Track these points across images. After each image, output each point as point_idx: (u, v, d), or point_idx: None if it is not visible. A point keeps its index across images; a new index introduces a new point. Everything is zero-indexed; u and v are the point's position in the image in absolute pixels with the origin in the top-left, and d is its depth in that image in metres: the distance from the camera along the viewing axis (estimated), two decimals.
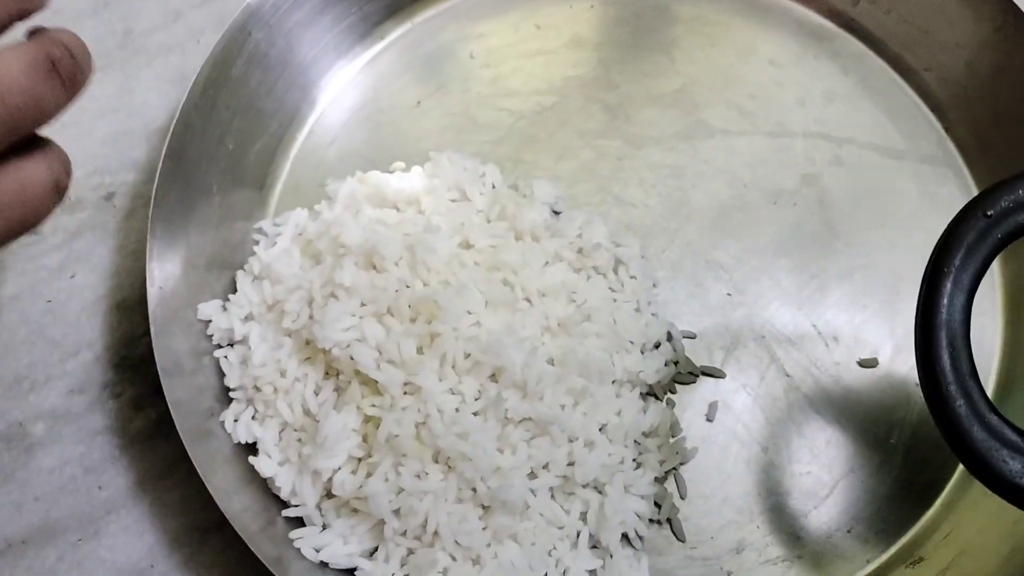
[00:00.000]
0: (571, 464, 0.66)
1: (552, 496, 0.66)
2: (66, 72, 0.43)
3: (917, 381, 0.70)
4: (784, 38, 0.86)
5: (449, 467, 0.63)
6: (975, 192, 0.79)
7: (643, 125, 0.82)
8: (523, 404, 0.65)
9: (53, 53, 0.42)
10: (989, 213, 0.50)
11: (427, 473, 0.63)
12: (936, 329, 0.49)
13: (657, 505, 0.69)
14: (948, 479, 0.71)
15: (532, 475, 0.65)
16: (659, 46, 0.86)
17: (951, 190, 0.79)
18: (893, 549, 0.69)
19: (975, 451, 0.49)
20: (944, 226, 0.73)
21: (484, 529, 0.63)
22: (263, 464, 0.66)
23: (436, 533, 0.62)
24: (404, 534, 0.63)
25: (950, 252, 0.50)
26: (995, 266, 0.77)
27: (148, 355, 0.66)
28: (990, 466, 0.49)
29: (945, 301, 0.49)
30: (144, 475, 0.72)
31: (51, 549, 0.69)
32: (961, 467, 0.71)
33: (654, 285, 0.76)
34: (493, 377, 0.66)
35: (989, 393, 0.72)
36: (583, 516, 0.66)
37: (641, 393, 0.71)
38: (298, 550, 0.64)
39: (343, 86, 0.84)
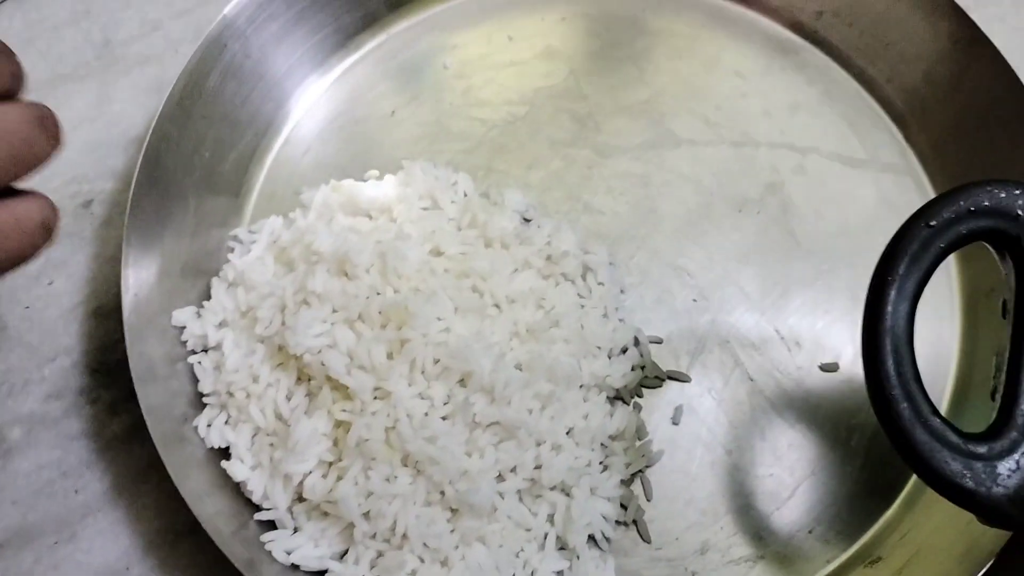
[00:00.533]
0: (538, 467, 0.67)
1: (520, 499, 0.68)
2: (51, 127, 0.48)
3: None
4: (750, 50, 0.87)
5: (418, 471, 0.65)
6: None
7: (612, 135, 0.84)
8: (491, 408, 0.66)
9: (42, 110, 0.47)
10: (932, 224, 0.52)
11: (396, 476, 0.65)
12: (881, 335, 0.51)
13: (623, 507, 0.70)
14: (906, 481, 0.72)
15: (500, 478, 0.67)
16: (628, 58, 0.88)
17: (911, 198, 0.81)
18: (853, 549, 0.71)
19: (918, 452, 0.51)
20: None
21: (452, 531, 0.65)
22: (235, 468, 0.67)
23: (405, 536, 0.64)
24: (374, 537, 0.64)
25: (894, 261, 0.52)
26: (953, 273, 0.79)
27: (124, 361, 0.68)
28: (932, 466, 0.51)
29: (889, 309, 0.51)
30: (119, 479, 0.73)
31: (28, 552, 0.71)
32: None
33: (622, 291, 0.77)
34: (462, 382, 0.67)
35: (946, 398, 0.75)
36: (550, 518, 0.68)
37: (608, 397, 0.73)
38: (270, 553, 0.65)
39: (318, 96, 0.86)
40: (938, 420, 0.51)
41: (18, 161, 0.46)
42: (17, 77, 0.48)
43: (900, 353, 0.51)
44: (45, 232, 0.48)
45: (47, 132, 0.47)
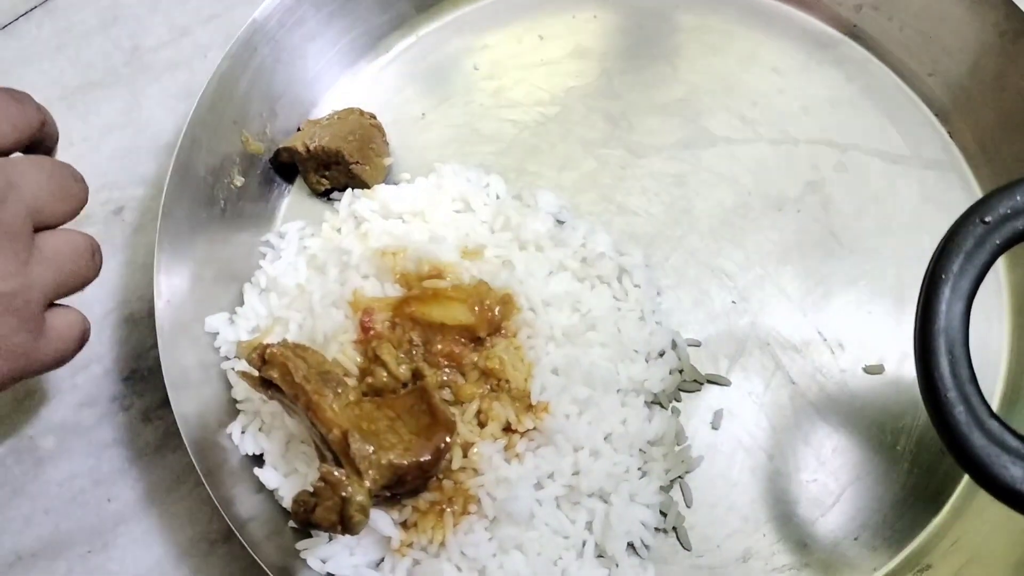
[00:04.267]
0: (576, 473, 0.66)
1: (558, 506, 0.66)
2: (99, 259, 0.60)
3: None
4: (787, 46, 0.86)
5: (454, 481, 0.64)
6: (980, 196, 0.79)
7: (645, 134, 0.83)
8: (528, 414, 0.65)
9: (94, 243, 0.59)
10: (987, 220, 0.50)
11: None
12: (935, 336, 0.49)
13: (663, 514, 0.69)
14: (955, 486, 0.70)
15: (538, 485, 0.65)
16: (661, 55, 0.86)
17: (955, 195, 0.79)
18: (900, 556, 0.69)
19: (975, 457, 0.49)
20: None
21: (490, 540, 0.64)
22: (268, 476, 0.67)
23: (442, 544, 0.63)
24: (410, 545, 0.63)
25: (948, 259, 0.50)
26: (1001, 273, 0.76)
27: (156, 368, 0.67)
28: (990, 472, 0.49)
29: (944, 308, 0.49)
30: (152, 487, 0.72)
31: (61, 561, 0.70)
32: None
33: (658, 293, 0.76)
34: (497, 387, 0.66)
35: (996, 399, 0.72)
36: (588, 525, 0.67)
37: (646, 402, 0.71)
38: (304, 560, 0.64)
39: (348, 99, 0.84)
40: (996, 423, 0.49)
41: (76, 285, 0.57)
42: (49, 125, 0.58)
43: (955, 354, 0.49)
44: (82, 340, 0.58)
45: (95, 263, 0.58)
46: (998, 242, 0.50)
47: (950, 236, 0.50)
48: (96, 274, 0.59)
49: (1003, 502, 0.50)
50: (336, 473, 0.57)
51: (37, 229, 0.54)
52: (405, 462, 0.59)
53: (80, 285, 0.57)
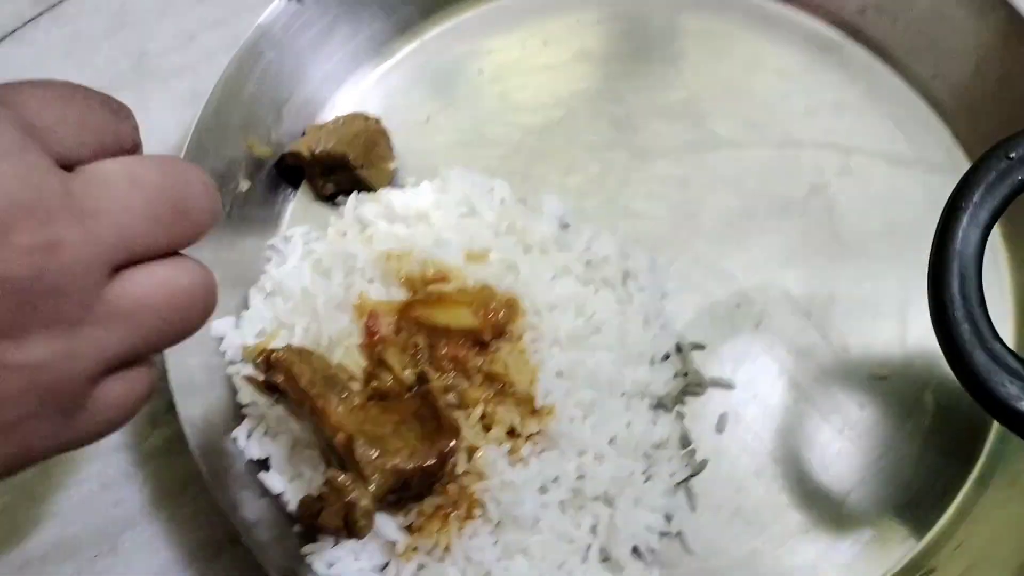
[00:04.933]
0: (581, 477, 0.66)
1: (562, 510, 0.66)
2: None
3: (928, 390, 0.71)
4: (791, 49, 0.86)
5: (459, 485, 0.64)
6: None
7: (650, 137, 0.83)
8: (532, 418, 0.65)
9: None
10: (1011, 155, 0.51)
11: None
12: (949, 257, 0.51)
13: (668, 518, 0.69)
14: (960, 489, 0.70)
15: (542, 489, 0.66)
16: (665, 58, 0.86)
17: None
18: (905, 560, 0.69)
19: (976, 374, 0.51)
20: None
21: (495, 544, 0.64)
22: (273, 480, 0.67)
23: (447, 549, 0.63)
24: (415, 550, 0.63)
25: (969, 190, 0.51)
26: (1005, 274, 0.76)
27: (164, 372, 0.67)
28: (989, 389, 0.50)
29: (960, 233, 0.51)
30: (159, 491, 0.73)
31: (68, 566, 0.70)
32: (973, 477, 0.70)
33: (663, 297, 0.76)
34: (502, 391, 0.66)
35: None
36: (593, 529, 0.67)
37: (650, 405, 0.71)
38: (310, 565, 0.65)
39: (353, 104, 0.85)
40: (999, 345, 0.51)
41: (162, 343, 0.40)
42: (139, 150, 0.42)
43: (966, 276, 0.51)
44: (139, 406, 0.42)
45: (205, 310, 0.42)
46: (1020, 178, 0.51)
47: (974, 168, 0.52)
48: (201, 324, 0.42)
49: (998, 419, 0.52)
50: (341, 478, 0.57)
51: (127, 264, 0.37)
52: (410, 467, 0.59)
53: (170, 343, 0.41)
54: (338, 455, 0.59)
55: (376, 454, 0.58)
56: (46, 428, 0.36)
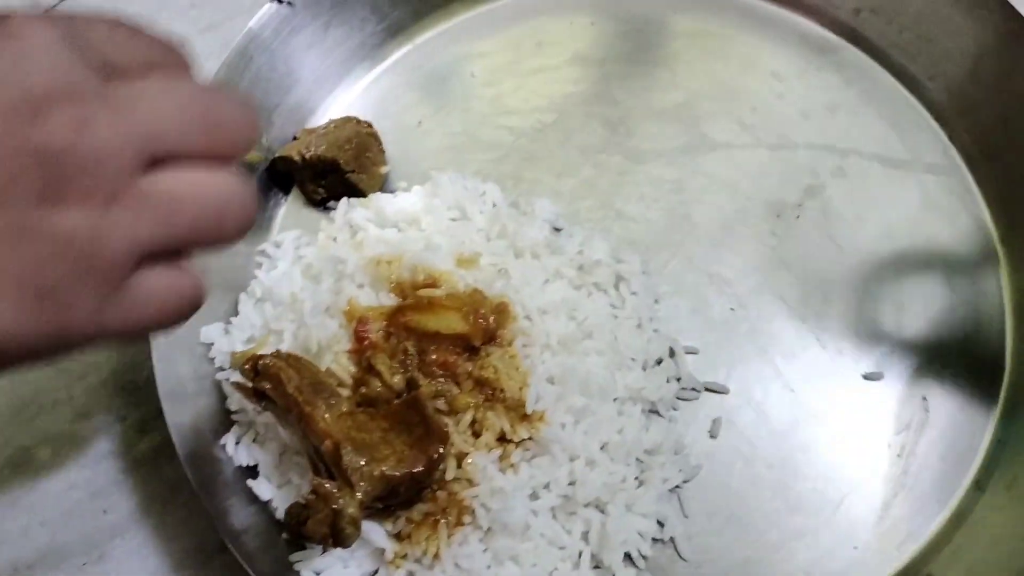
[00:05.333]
0: (572, 483, 0.65)
1: (553, 516, 0.66)
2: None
3: (924, 394, 0.70)
4: (786, 50, 0.85)
5: (448, 492, 0.63)
6: (980, 201, 0.78)
7: (644, 139, 0.82)
8: (523, 424, 0.65)
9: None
10: None
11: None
12: None
13: (660, 524, 0.68)
14: (956, 492, 0.70)
15: (533, 496, 0.65)
16: (660, 60, 0.86)
17: (955, 199, 0.78)
18: (901, 565, 0.68)
19: None
20: (950, 235, 0.73)
21: (485, 551, 0.63)
22: (261, 488, 0.66)
23: (436, 556, 0.62)
24: (404, 557, 0.63)
25: None
26: (1003, 277, 0.76)
27: (152, 379, 0.67)
28: None
29: None
30: (148, 498, 0.72)
31: (58, 573, 0.70)
32: (969, 481, 0.69)
33: (656, 301, 0.75)
34: (492, 396, 0.65)
35: (999, 402, 0.71)
36: (585, 536, 0.66)
37: (643, 410, 0.70)
38: (298, 573, 0.64)
39: (345, 108, 0.84)
40: None
41: (200, 240, 0.41)
42: (190, 58, 0.44)
43: None
44: (186, 312, 0.42)
45: (243, 218, 0.42)
46: None
47: None
48: (242, 234, 0.42)
49: None
50: (327, 485, 0.56)
51: (162, 160, 0.38)
52: (398, 473, 0.59)
53: (202, 244, 0.41)
54: (325, 462, 0.58)
55: (364, 461, 0.58)
56: (84, 302, 0.37)
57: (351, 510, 0.56)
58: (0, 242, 0.34)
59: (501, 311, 0.67)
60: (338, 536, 0.56)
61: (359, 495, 0.57)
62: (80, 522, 0.71)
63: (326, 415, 0.60)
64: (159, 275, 0.40)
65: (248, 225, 0.42)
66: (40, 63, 0.35)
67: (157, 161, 0.38)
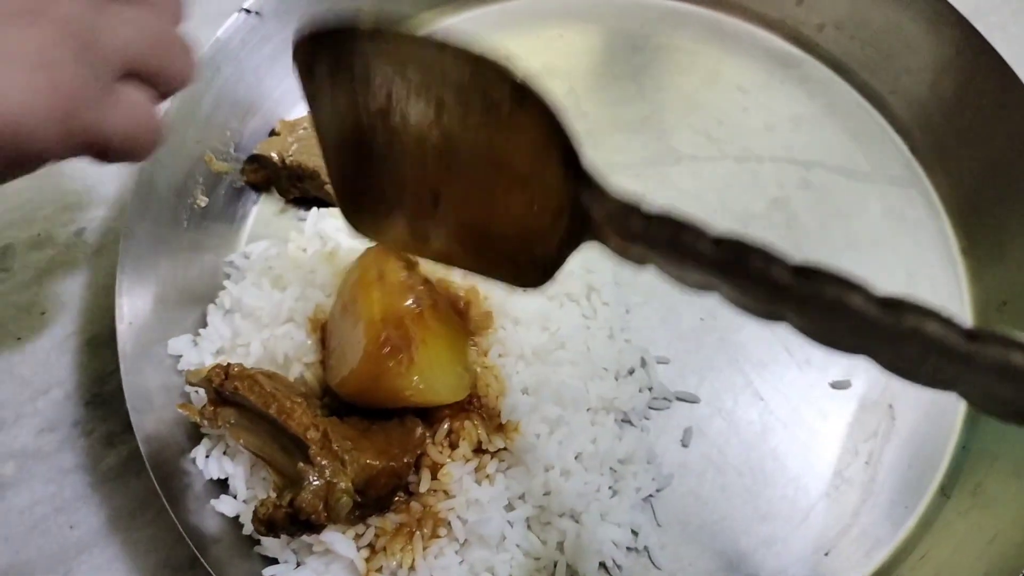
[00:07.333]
0: (547, 494, 0.66)
1: (528, 527, 0.66)
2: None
3: (890, 402, 0.72)
4: (750, 64, 0.86)
5: (422, 504, 0.63)
6: (942, 212, 0.80)
7: (611, 152, 0.83)
8: (498, 434, 0.65)
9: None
10: None
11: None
12: None
13: (634, 533, 0.68)
14: (923, 498, 0.71)
15: (508, 506, 0.65)
16: (627, 74, 0.86)
17: (918, 211, 0.80)
18: (871, 570, 0.69)
19: None
20: (913, 246, 0.74)
21: (460, 564, 0.63)
22: (226, 506, 0.65)
23: (412, 568, 0.62)
24: (379, 570, 0.62)
25: None
26: (964, 287, 0.77)
27: (118, 392, 0.66)
28: None
29: None
30: (116, 513, 0.71)
31: None
32: (935, 487, 0.71)
33: (627, 311, 0.76)
34: (469, 405, 0.65)
35: (960, 413, 0.73)
36: (560, 546, 0.66)
37: (616, 420, 0.71)
38: None
39: None
40: None
41: (162, 69, 0.47)
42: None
43: None
44: (157, 131, 0.47)
45: (190, 60, 0.49)
46: None
47: None
48: (190, 76, 0.49)
49: None
50: (324, 461, 0.57)
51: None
52: (379, 463, 0.59)
53: (168, 76, 0.47)
54: (305, 453, 0.58)
55: (350, 445, 0.58)
56: (86, 86, 0.42)
57: (345, 484, 0.56)
58: (11, 24, 0.40)
59: (484, 318, 0.68)
60: (332, 509, 0.56)
61: (350, 473, 0.57)
62: (45, 538, 0.70)
63: (307, 411, 0.60)
64: (138, 93, 0.46)
65: (193, 66, 0.49)
66: None
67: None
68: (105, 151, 0.45)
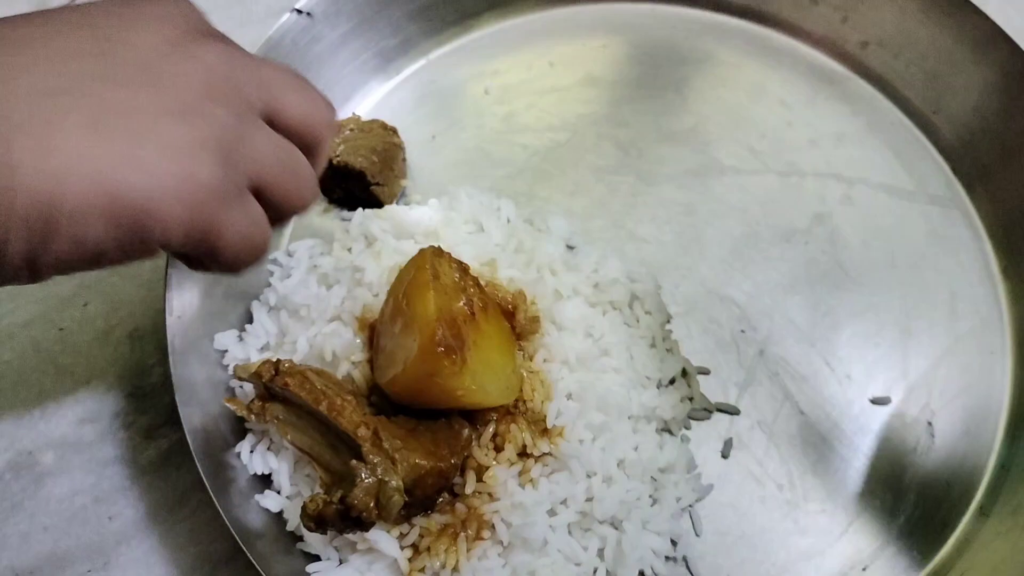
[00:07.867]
0: (589, 500, 0.66)
1: (570, 532, 0.66)
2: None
3: (929, 419, 0.72)
4: (794, 79, 0.87)
5: (467, 505, 0.63)
6: (982, 233, 0.80)
7: (655, 162, 0.83)
8: (543, 438, 0.65)
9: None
10: None
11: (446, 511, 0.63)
12: None
13: (673, 542, 0.69)
14: (961, 517, 0.71)
15: (551, 511, 0.65)
16: (671, 85, 0.87)
17: (958, 231, 0.80)
18: None
19: None
20: (954, 266, 0.75)
21: (503, 567, 0.63)
22: (270, 501, 0.65)
23: (455, 569, 0.62)
24: (422, 570, 0.62)
25: None
26: (1004, 306, 0.77)
27: (160, 385, 0.66)
28: None
29: None
30: (155, 506, 0.71)
31: None
32: (974, 506, 0.71)
33: (668, 321, 0.76)
34: (515, 409, 0.65)
35: (1000, 432, 0.73)
36: (600, 552, 0.66)
37: (657, 429, 0.71)
38: None
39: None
40: None
41: (284, 190, 0.51)
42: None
43: None
44: (263, 248, 0.51)
45: (312, 186, 0.53)
46: None
47: None
48: (308, 205, 0.53)
49: None
50: (377, 459, 0.57)
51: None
52: (427, 464, 0.59)
53: (289, 199, 0.51)
54: (357, 449, 0.58)
55: (400, 444, 0.58)
56: (220, 189, 0.45)
57: (396, 482, 0.56)
58: (170, 117, 0.44)
59: (531, 322, 0.68)
60: (383, 507, 0.56)
61: (400, 471, 0.57)
62: (84, 528, 0.70)
63: (357, 408, 0.60)
64: (258, 208, 0.49)
65: (314, 191, 0.53)
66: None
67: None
68: (214, 252, 0.48)
